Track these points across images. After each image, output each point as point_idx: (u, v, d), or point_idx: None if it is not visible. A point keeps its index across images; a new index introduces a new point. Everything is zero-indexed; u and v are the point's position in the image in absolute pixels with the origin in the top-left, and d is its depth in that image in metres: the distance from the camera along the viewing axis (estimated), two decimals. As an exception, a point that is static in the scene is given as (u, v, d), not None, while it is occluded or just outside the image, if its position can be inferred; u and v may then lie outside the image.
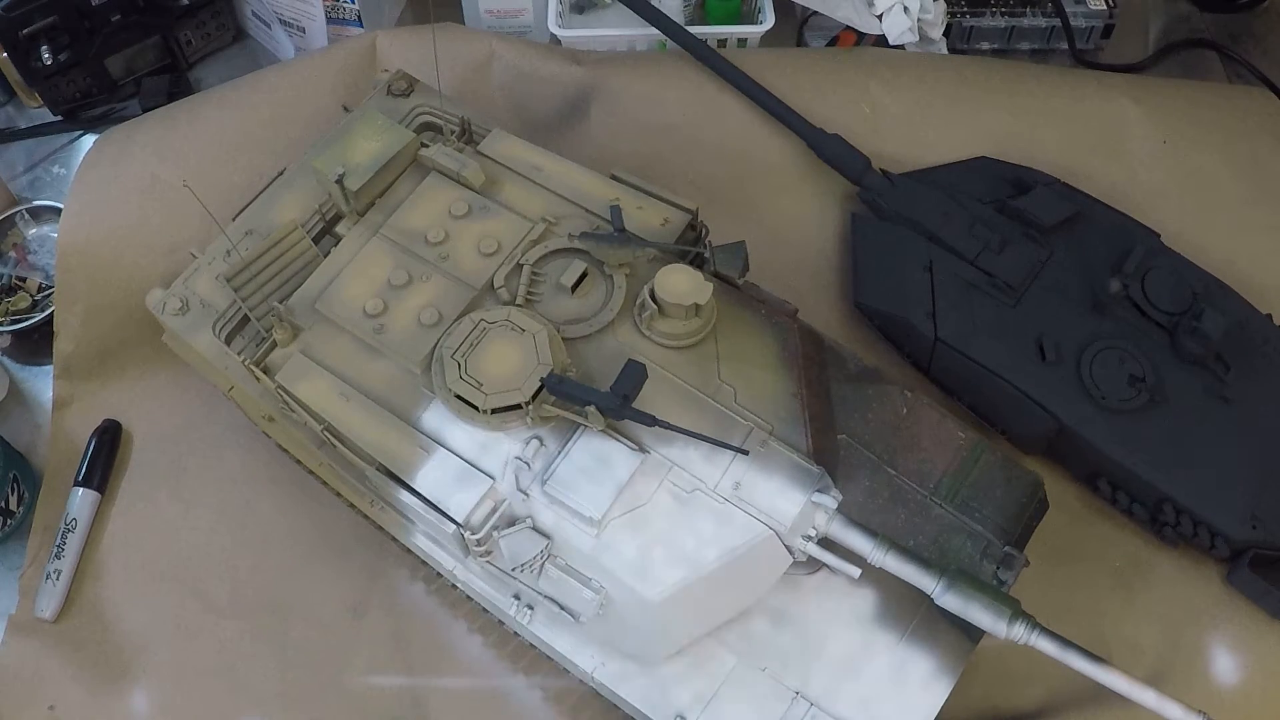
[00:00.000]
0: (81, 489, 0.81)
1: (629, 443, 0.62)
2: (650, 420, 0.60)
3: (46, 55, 0.96)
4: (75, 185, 0.89)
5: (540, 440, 0.63)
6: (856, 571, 0.62)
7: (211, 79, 1.05)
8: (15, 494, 0.81)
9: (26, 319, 0.89)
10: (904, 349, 0.82)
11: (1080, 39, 1.01)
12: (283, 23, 1.02)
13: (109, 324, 0.86)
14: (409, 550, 0.74)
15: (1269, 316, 0.78)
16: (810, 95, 0.89)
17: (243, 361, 0.68)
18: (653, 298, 0.64)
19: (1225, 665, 0.73)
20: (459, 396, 0.62)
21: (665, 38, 0.92)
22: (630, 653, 0.65)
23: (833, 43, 1.00)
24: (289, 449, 0.78)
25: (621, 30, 0.97)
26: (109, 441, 0.84)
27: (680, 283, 0.64)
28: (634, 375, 0.60)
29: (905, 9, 0.92)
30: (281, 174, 0.77)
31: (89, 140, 1.01)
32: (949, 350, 0.77)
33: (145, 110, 0.99)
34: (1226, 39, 1.03)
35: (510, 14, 1.01)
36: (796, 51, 0.99)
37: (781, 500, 0.62)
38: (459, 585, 0.70)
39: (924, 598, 0.63)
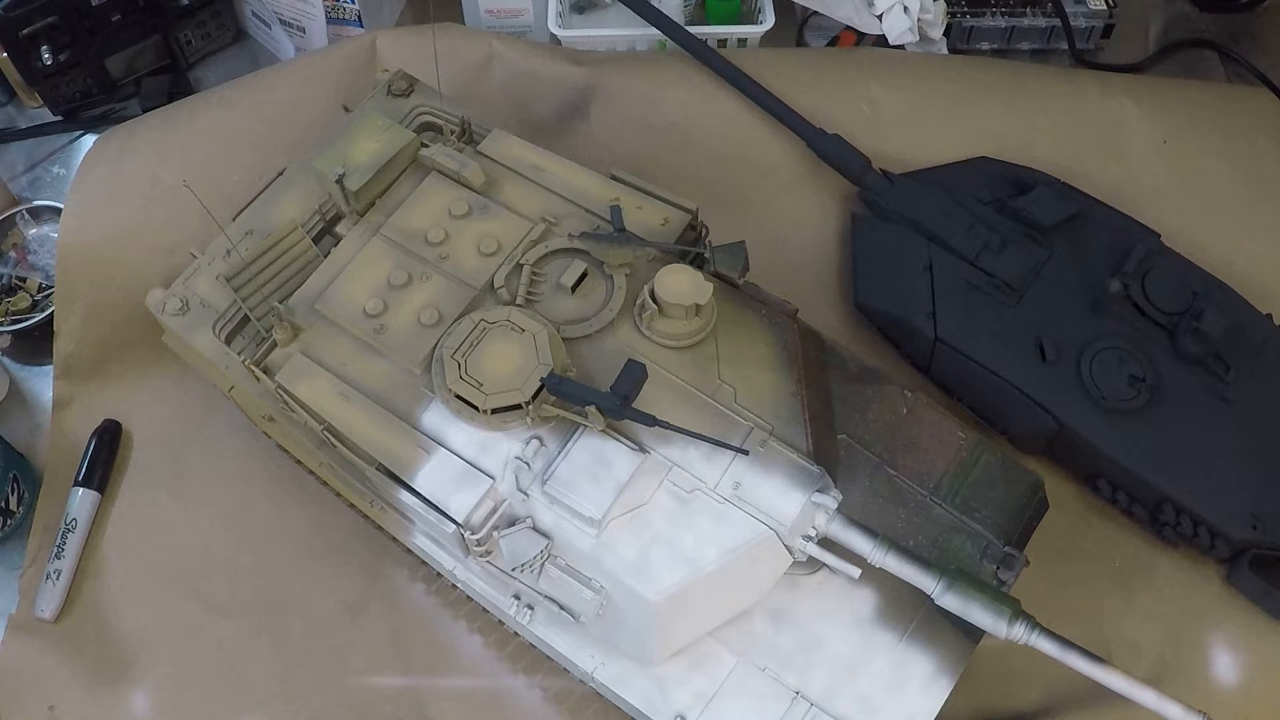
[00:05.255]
0: (81, 489, 0.81)
1: (629, 443, 0.62)
2: (650, 420, 0.60)
3: (46, 55, 0.96)
4: (75, 185, 0.89)
5: (540, 440, 0.63)
6: (856, 571, 0.62)
7: (211, 79, 1.05)
8: (15, 494, 0.81)
9: (26, 319, 0.89)
10: (904, 349, 0.82)
11: (1080, 39, 1.01)
12: (283, 23, 1.02)
13: (109, 324, 0.86)
14: (409, 550, 0.74)
15: (1269, 316, 0.78)
16: (810, 95, 0.89)
17: (243, 361, 0.68)
18: (653, 298, 0.64)
19: (1225, 665, 0.73)
20: (459, 396, 0.62)
21: (665, 38, 0.92)
22: (630, 653, 0.65)
23: (833, 43, 1.00)
24: (289, 449, 0.78)
25: (621, 30, 0.97)
26: (109, 441, 0.84)
27: (680, 283, 0.64)
28: (634, 375, 0.60)
29: (905, 9, 0.92)
30: (281, 174, 0.77)
31: (89, 140, 1.01)
32: (949, 350, 0.77)
33: (145, 110, 0.99)
34: (1226, 39, 1.03)
35: (510, 14, 1.01)
36: (796, 51, 0.99)
37: (781, 500, 0.62)
38: (459, 585, 0.70)
39: (924, 598, 0.63)
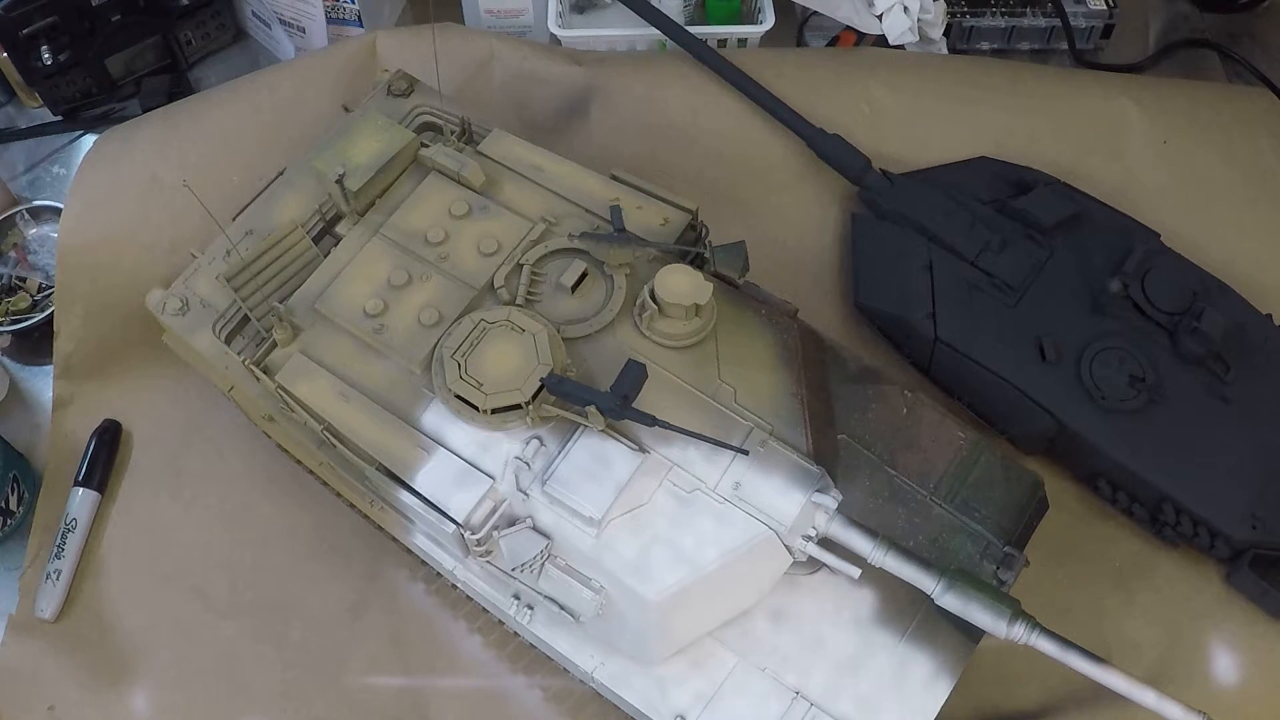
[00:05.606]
0: (81, 489, 0.81)
1: (629, 443, 0.62)
2: (650, 420, 0.60)
3: (46, 55, 0.96)
4: (75, 185, 0.89)
5: (540, 440, 0.63)
6: (856, 571, 0.62)
7: (211, 79, 1.05)
8: (15, 494, 0.81)
9: (26, 319, 0.89)
10: (904, 349, 0.82)
11: (1080, 39, 1.01)
12: (283, 23, 1.02)
13: (109, 324, 0.86)
14: (409, 550, 0.74)
15: (1269, 316, 0.78)
16: (810, 95, 0.89)
17: (243, 361, 0.68)
18: (653, 298, 0.64)
19: (1225, 665, 0.73)
20: (459, 396, 0.62)
21: (665, 38, 0.92)
22: (630, 653, 0.65)
23: (833, 43, 1.00)
24: (289, 449, 0.78)
25: (621, 30, 0.97)
26: (109, 441, 0.84)
27: (680, 283, 0.64)
28: (634, 375, 0.60)
29: (905, 9, 0.92)
30: (281, 174, 0.77)
31: (89, 140, 1.01)
32: (949, 350, 0.77)
33: (145, 110, 0.99)
34: (1226, 39, 1.03)
35: (510, 14, 1.01)
36: (796, 51, 0.99)
37: (781, 500, 0.62)
38: (459, 585, 0.70)
39: (924, 598, 0.63)
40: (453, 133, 0.77)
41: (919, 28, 0.94)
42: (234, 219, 0.75)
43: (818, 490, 0.62)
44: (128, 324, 0.85)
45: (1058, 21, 1.00)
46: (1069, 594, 0.75)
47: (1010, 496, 0.68)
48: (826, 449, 0.66)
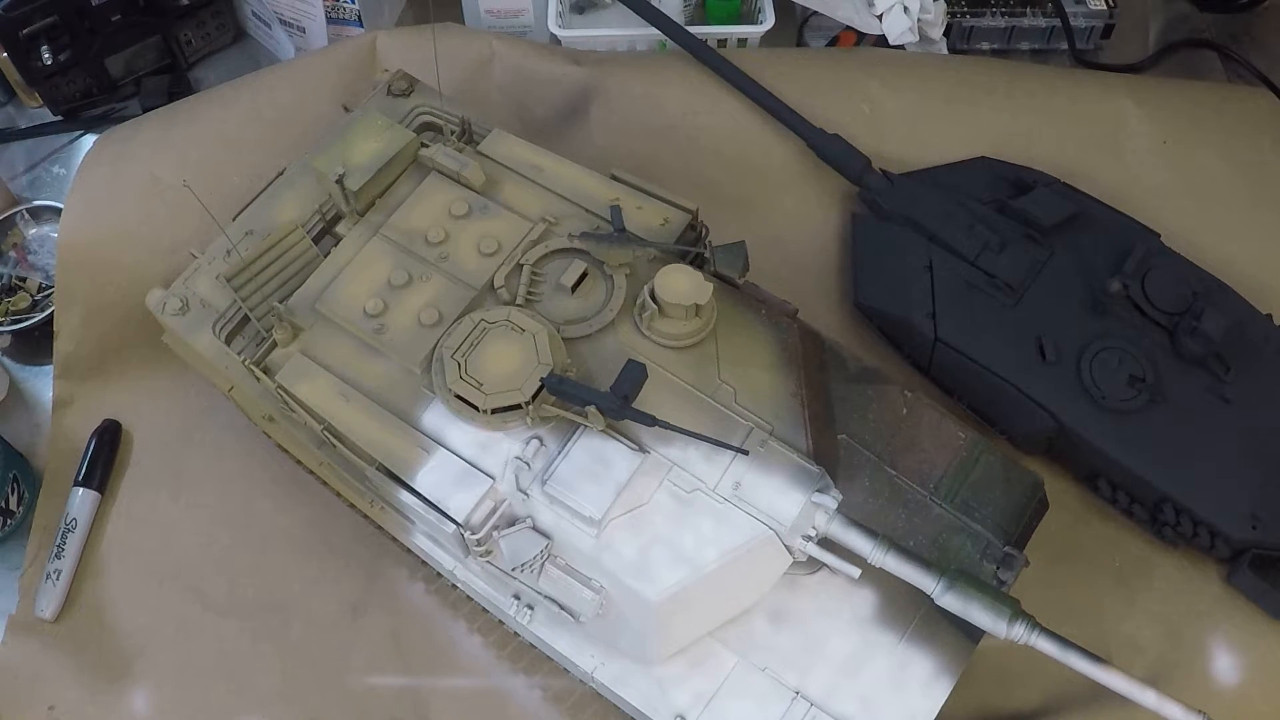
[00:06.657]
0: (81, 489, 0.81)
1: (629, 443, 0.62)
2: (650, 420, 0.60)
3: (46, 55, 0.96)
4: (75, 185, 0.89)
5: (540, 440, 0.63)
6: (856, 571, 0.62)
7: (211, 79, 1.05)
8: (15, 494, 0.81)
9: (26, 319, 0.89)
10: (904, 349, 0.82)
11: (1080, 39, 1.01)
12: (283, 23, 1.02)
13: (109, 324, 0.86)
14: (409, 550, 0.74)
15: (1269, 316, 0.78)
16: (810, 95, 0.89)
17: (243, 361, 0.68)
18: (653, 298, 0.64)
19: (1225, 665, 0.73)
20: (459, 396, 0.62)
21: (665, 38, 0.92)
22: (630, 653, 0.65)
23: (833, 43, 1.00)
24: (289, 449, 0.78)
25: (621, 30, 0.97)
26: (109, 441, 0.84)
27: (680, 283, 0.64)
28: (634, 375, 0.60)
29: (905, 9, 0.92)
30: (281, 174, 0.77)
31: (89, 140, 1.01)
32: (949, 350, 0.77)
33: (145, 110, 0.99)
34: (1226, 39, 1.03)
35: (510, 14, 1.01)
36: (796, 51, 0.99)
37: (781, 500, 0.62)
38: (459, 585, 0.70)
39: (924, 598, 0.63)
40: (453, 133, 0.77)
41: (919, 28, 0.94)
42: (234, 219, 0.75)
43: (818, 490, 0.62)
44: (128, 324, 0.85)
45: (1058, 21, 1.00)
46: (1069, 594, 0.75)
47: (1010, 496, 0.68)
48: (826, 449, 0.66)
